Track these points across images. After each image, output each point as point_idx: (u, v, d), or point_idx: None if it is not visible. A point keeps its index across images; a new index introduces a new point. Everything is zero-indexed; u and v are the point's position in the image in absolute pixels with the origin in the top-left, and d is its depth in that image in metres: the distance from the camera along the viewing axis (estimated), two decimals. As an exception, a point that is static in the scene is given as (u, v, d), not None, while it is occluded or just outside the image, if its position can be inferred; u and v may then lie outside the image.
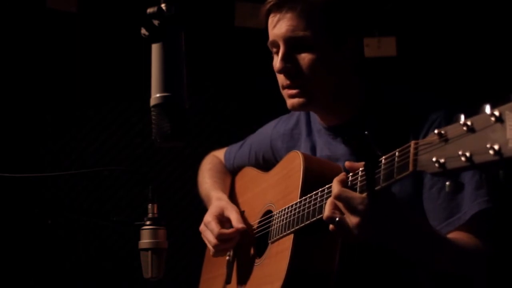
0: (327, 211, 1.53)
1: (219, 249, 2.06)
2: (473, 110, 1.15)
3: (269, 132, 2.25)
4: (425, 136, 1.75)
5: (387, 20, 3.31)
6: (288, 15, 1.83)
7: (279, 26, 1.85)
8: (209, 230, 2.06)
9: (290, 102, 1.89)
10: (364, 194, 1.48)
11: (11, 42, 3.13)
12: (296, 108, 1.90)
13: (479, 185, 1.70)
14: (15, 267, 3.08)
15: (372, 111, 1.88)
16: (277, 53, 1.88)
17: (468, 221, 1.70)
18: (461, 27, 3.24)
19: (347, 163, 1.56)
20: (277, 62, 1.87)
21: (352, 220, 1.48)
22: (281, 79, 1.89)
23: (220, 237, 2.02)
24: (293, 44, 1.84)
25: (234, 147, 2.41)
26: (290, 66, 1.85)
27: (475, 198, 1.70)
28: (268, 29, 1.90)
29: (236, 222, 2.03)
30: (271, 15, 1.88)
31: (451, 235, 1.71)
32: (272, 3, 1.86)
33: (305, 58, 1.83)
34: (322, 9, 1.82)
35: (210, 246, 2.07)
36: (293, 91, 1.87)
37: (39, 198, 3.11)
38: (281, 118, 2.23)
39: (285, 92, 1.90)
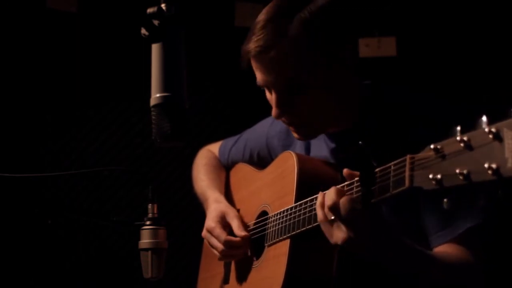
0: (320, 216, 1.54)
1: (227, 255, 2.03)
2: (473, 111, 1.14)
3: (266, 129, 2.22)
4: (424, 138, 1.74)
5: (387, 20, 3.31)
6: (274, 62, 1.72)
7: (266, 72, 1.75)
8: (214, 237, 2.03)
9: (295, 135, 1.87)
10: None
11: (11, 42, 3.13)
12: (303, 140, 1.91)
13: (474, 199, 1.67)
14: (15, 267, 3.08)
15: (372, 111, 1.86)
16: (268, 90, 1.82)
17: (461, 235, 1.68)
18: (461, 27, 3.24)
19: (345, 171, 1.54)
20: (271, 103, 1.80)
21: (348, 231, 1.48)
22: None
23: (227, 244, 1.99)
24: (285, 87, 1.75)
25: (229, 141, 2.38)
26: (287, 110, 1.78)
27: (469, 212, 1.68)
28: (254, 71, 1.81)
29: (238, 229, 1.99)
30: (255, 59, 1.77)
31: (442, 247, 1.70)
32: (254, 52, 1.75)
33: (300, 101, 1.75)
34: (308, 42, 1.71)
35: (217, 252, 2.04)
36: (295, 129, 1.84)
37: (39, 198, 3.11)
38: None
39: (289, 127, 1.88)
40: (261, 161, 2.22)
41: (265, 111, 2.22)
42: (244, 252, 2.01)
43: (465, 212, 1.68)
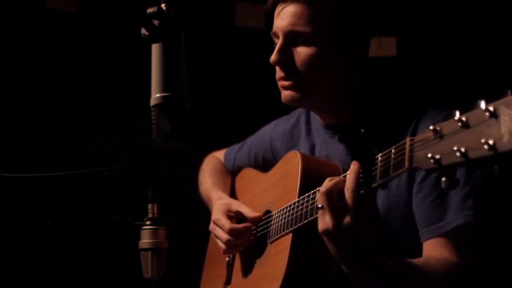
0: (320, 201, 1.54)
1: (231, 245, 2.02)
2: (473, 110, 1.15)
3: (269, 132, 2.24)
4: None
5: (387, 20, 3.31)
6: (292, 8, 1.82)
7: (281, 18, 1.84)
8: (219, 227, 2.05)
9: (283, 94, 1.88)
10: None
11: (11, 42, 3.13)
12: (289, 101, 1.88)
13: (467, 197, 1.68)
14: (15, 267, 3.08)
15: (371, 111, 1.87)
16: (277, 40, 1.88)
17: (451, 231, 1.68)
18: (461, 27, 3.24)
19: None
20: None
21: (329, 220, 1.48)
22: (277, 70, 1.88)
23: (232, 232, 2.00)
24: (292, 38, 1.83)
25: (234, 148, 2.41)
26: (286, 59, 1.83)
27: (461, 210, 1.68)
28: (274, 17, 1.89)
29: (249, 212, 2.01)
30: (278, 5, 1.86)
31: (430, 242, 1.70)
32: None
33: (301, 53, 1.82)
34: (328, 6, 1.80)
35: (221, 243, 2.04)
36: (287, 83, 1.86)
37: (39, 198, 3.11)
38: (281, 118, 2.22)
39: (280, 84, 1.89)
40: (266, 164, 2.24)
41: (265, 111, 2.22)
42: (248, 241, 2.01)
43: (455, 210, 1.68)
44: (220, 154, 2.47)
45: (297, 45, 1.82)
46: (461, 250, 1.68)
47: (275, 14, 1.88)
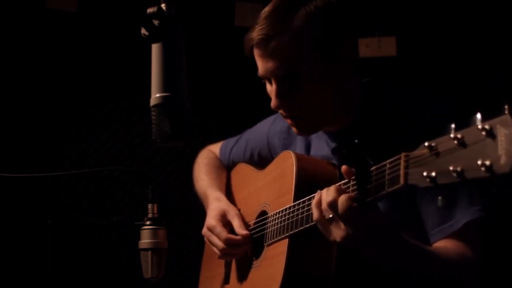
0: (316, 215, 1.55)
1: (227, 253, 2.03)
2: (472, 111, 1.14)
3: (266, 129, 2.23)
4: (422, 137, 1.73)
5: (387, 20, 3.31)
6: (276, 51, 1.75)
7: (267, 62, 1.78)
8: (214, 235, 2.03)
9: (294, 129, 1.88)
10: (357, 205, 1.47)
11: (11, 42, 3.13)
12: (302, 134, 1.91)
13: (473, 193, 1.68)
14: (15, 267, 3.08)
15: (372, 112, 1.86)
16: (269, 81, 1.84)
17: (460, 229, 1.68)
18: (461, 27, 3.24)
19: (343, 168, 1.53)
20: (271, 95, 1.82)
21: (346, 228, 1.48)
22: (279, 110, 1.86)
23: (227, 242, 2.00)
24: (286, 80, 1.77)
25: (230, 141, 2.38)
26: (286, 101, 1.80)
27: (468, 206, 1.68)
28: (256, 60, 1.83)
29: (239, 228, 2.00)
30: (257, 49, 1.81)
31: (441, 242, 1.70)
32: (256, 40, 1.78)
33: (299, 93, 1.77)
34: (310, 36, 1.75)
35: (217, 251, 2.04)
36: (294, 122, 1.85)
37: (39, 198, 3.11)
38: (279, 115, 2.20)
39: (286, 120, 1.88)
40: (261, 160, 2.23)
41: (265, 110, 2.22)
42: (244, 251, 2.01)
43: (462, 207, 1.69)
44: (215, 148, 2.45)
45: (292, 85, 1.77)
46: (472, 245, 1.69)
47: (257, 57, 1.81)
